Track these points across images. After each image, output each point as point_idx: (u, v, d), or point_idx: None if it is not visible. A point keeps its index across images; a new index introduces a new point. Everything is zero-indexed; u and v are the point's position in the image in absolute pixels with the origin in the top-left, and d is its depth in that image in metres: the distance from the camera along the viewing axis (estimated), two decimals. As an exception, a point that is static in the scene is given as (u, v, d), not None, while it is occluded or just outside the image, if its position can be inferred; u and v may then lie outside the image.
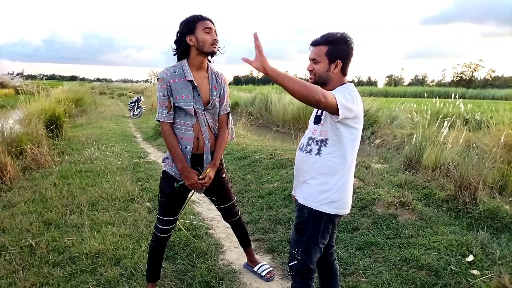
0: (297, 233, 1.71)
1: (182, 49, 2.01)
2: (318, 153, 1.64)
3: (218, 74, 2.12)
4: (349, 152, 1.63)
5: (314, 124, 1.69)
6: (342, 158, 1.62)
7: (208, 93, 2.05)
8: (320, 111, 1.67)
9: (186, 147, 2.04)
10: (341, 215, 1.74)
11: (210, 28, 1.95)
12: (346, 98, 1.52)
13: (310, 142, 1.69)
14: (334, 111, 1.49)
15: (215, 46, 1.98)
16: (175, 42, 2.03)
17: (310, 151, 1.67)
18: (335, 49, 1.63)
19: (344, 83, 1.66)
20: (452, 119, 5.12)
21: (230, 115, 2.21)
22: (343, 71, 1.67)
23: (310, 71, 1.68)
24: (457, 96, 6.06)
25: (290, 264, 1.72)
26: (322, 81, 1.68)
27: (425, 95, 17.09)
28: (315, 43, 1.67)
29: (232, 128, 2.23)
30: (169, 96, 1.97)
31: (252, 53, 1.41)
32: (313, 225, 1.67)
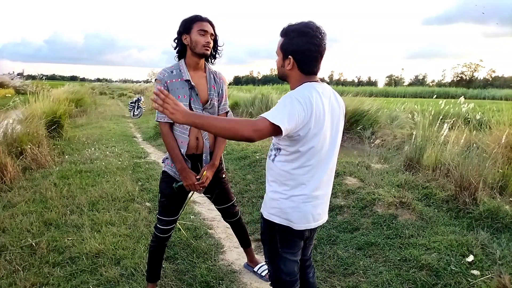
0: (261, 243, 1.63)
1: (179, 47, 2.03)
2: (273, 159, 1.51)
3: (216, 74, 2.12)
4: (303, 161, 1.44)
5: None
6: (297, 168, 1.45)
7: (206, 92, 2.05)
8: None
9: (181, 149, 2.04)
10: (311, 229, 1.55)
11: (205, 31, 1.96)
12: (284, 114, 1.31)
13: (272, 147, 1.55)
14: (278, 134, 1.32)
15: (208, 48, 1.98)
16: (174, 40, 2.05)
17: (270, 156, 1.55)
18: (287, 42, 1.43)
19: (304, 83, 1.45)
20: (453, 120, 5.12)
21: (229, 114, 2.21)
22: (301, 69, 1.44)
23: None
24: (462, 97, 6.05)
25: (268, 275, 1.69)
26: (282, 77, 1.53)
27: (434, 96, 16.96)
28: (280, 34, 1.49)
29: None
30: None
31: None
32: (269, 235, 1.56)
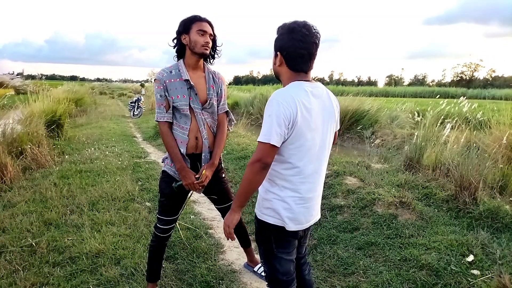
0: (256, 243, 1.62)
1: (178, 47, 2.04)
2: None
3: (215, 73, 2.13)
4: (292, 161, 1.42)
5: None
6: (288, 169, 1.44)
7: (205, 92, 2.06)
8: None
9: (180, 148, 2.04)
10: (305, 228, 1.56)
11: (204, 31, 1.97)
12: (271, 126, 1.33)
13: None
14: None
15: (207, 48, 1.99)
16: (173, 39, 2.06)
17: None
18: (276, 39, 1.45)
19: (293, 81, 1.43)
20: (454, 118, 5.12)
21: (229, 113, 2.21)
22: (289, 65, 1.44)
23: None
24: (464, 97, 6.06)
25: (264, 275, 1.67)
26: (275, 74, 1.54)
27: (437, 96, 16.97)
28: None
29: (232, 117, 2.23)
30: (167, 96, 1.98)
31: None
32: (263, 235, 1.55)
